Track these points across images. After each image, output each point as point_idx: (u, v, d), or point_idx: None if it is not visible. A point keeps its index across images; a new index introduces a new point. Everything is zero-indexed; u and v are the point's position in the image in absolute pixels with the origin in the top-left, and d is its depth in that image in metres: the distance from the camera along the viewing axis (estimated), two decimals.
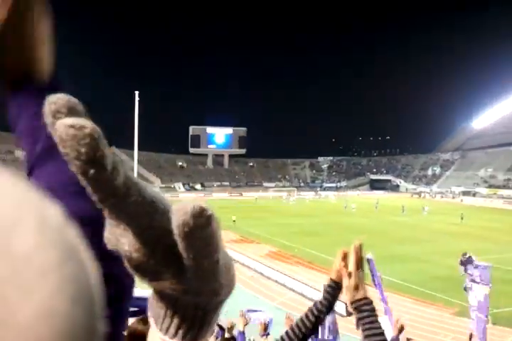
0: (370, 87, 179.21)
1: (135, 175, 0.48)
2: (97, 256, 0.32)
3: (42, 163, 0.68)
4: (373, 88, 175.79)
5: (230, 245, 31.86)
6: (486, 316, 10.95)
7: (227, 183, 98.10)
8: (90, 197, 0.39)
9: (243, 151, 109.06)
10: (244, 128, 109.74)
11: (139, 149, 36.11)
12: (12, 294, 0.26)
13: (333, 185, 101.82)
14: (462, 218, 49.76)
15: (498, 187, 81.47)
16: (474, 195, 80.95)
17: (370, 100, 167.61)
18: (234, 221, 43.57)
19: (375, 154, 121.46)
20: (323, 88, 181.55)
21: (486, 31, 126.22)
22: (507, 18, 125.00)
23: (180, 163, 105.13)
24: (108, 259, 0.44)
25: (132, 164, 36.77)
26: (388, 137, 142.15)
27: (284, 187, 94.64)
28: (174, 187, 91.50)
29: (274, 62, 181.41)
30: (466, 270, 11.19)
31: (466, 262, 11.14)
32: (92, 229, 0.45)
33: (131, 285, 0.64)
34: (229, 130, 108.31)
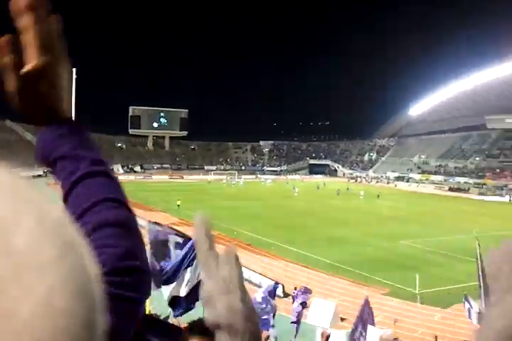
0: (311, 74, 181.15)
1: None
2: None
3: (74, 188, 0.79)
4: (314, 74, 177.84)
5: None
6: None
7: (167, 166, 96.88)
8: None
9: (184, 133, 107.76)
10: (185, 110, 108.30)
11: None
12: (12, 290, 0.26)
13: (274, 168, 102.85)
14: (378, 196, 56.99)
15: (430, 173, 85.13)
16: (408, 180, 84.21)
17: (311, 86, 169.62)
18: (178, 205, 43.12)
19: (315, 139, 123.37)
20: (266, 73, 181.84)
21: (424, 19, 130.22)
22: (444, 7, 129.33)
23: (119, 144, 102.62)
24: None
25: None
26: (328, 123, 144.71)
27: (225, 170, 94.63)
28: (112, 169, 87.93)
29: (217, 42, 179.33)
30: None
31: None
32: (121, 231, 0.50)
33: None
34: (170, 111, 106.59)
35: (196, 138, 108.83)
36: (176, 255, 9.39)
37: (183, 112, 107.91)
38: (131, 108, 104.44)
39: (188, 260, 9.74)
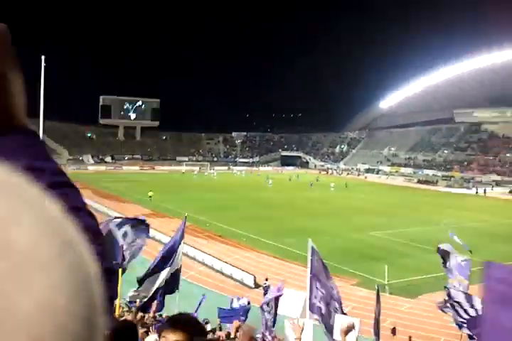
0: (283, 66, 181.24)
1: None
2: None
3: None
4: (286, 66, 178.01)
5: None
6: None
7: (138, 156, 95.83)
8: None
9: (156, 124, 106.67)
10: (157, 100, 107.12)
11: (45, 118, 34.15)
12: (12, 288, 0.26)
13: (246, 160, 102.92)
14: (346, 185, 60.00)
15: (400, 165, 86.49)
16: (378, 172, 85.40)
17: (283, 78, 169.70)
18: (150, 196, 42.74)
19: (287, 131, 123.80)
20: (238, 64, 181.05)
21: (395, 13, 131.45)
22: (413, 1, 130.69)
23: (89, 135, 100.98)
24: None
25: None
26: (300, 115, 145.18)
27: (197, 161, 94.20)
28: (82, 159, 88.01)
29: (190, 32, 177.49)
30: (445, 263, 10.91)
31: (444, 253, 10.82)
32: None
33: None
34: (142, 101, 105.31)
35: (168, 128, 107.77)
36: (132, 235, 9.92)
37: (155, 102, 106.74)
38: (101, 97, 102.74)
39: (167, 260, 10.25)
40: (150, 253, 17.24)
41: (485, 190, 61.44)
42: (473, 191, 62.25)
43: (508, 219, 39.51)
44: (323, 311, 8.76)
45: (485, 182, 69.42)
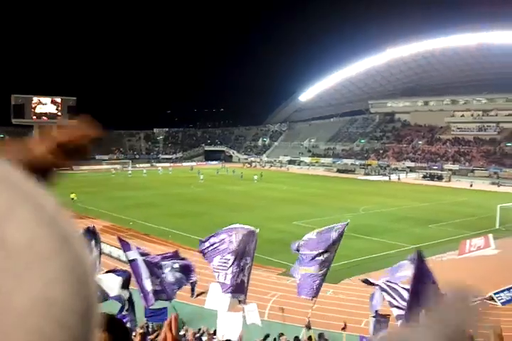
0: (204, 61, 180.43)
1: None
2: None
3: None
4: (208, 62, 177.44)
5: None
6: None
7: None
8: None
9: (73, 122, 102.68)
10: (73, 98, 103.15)
11: None
12: (8, 284, 0.26)
13: (169, 156, 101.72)
14: (261, 175, 61.91)
15: (320, 156, 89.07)
16: (299, 163, 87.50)
17: (204, 72, 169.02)
18: (73, 199, 41.08)
19: (210, 126, 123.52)
20: (159, 58, 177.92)
21: (312, 9, 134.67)
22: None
23: (1, 135, 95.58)
24: None
25: None
26: (222, 109, 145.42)
27: (118, 159, 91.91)
28: None
29: (108, 26, 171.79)
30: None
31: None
32: None
33: None
34: (57, 99, 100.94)
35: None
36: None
37: (71, 100, 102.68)
38: (13, 96, 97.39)
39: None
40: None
41: (399, 177, 64.84)
42: (394, 177, 65.36)
43: (420, 202, 42.02)
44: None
45: (400, 169, 73.24)
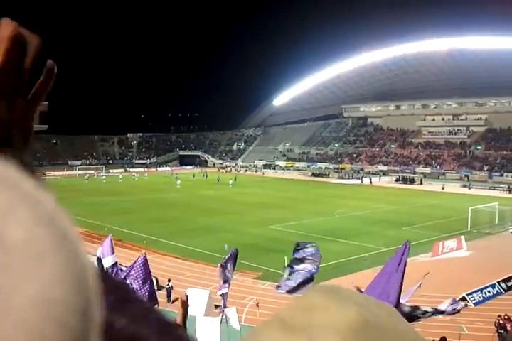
0: (179, 65, 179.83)
1: None
2: None
3: None
4: (182, 67, 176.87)
5: None
6: None
7: None
8: None
9: (45, 127, 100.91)
10: (45, 103, 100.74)
11: None
12: (8, 283, 0.26)
13: (143, 161, 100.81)
14: (235, 179, 61.77)
15: (295, 160, 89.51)
16: (274, 167, 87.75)
17: (179, 77, 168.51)
18: None
19: (184, 130, 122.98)
20: (133, 62, 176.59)
21: (286, 15, 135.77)
22: (305, 3, 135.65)
23: None
24: None
25: None
26: (197, 114, 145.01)
27: (91, 164, 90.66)
28: None
29: (82, 28, 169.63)
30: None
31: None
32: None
33: None
34: None
35: (58, 131, 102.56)
36: None
37: (43, 105, 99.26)
38: None
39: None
40: None
41: (371, 180, 65.59)
42: (366, 181, 65.94)
43: (394, 205, 42.58)
44: None
45: (373, 172, 74.11)
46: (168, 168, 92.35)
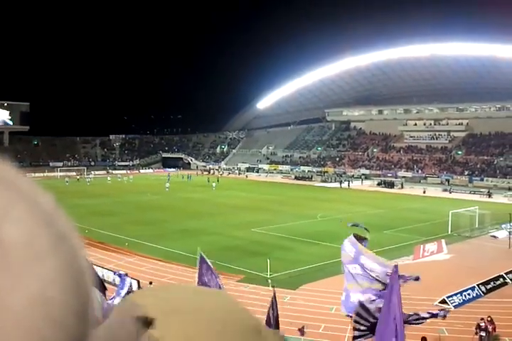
0: (161, 67, 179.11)
1: None
2: None
3: None
4: (165, 68, 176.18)
5: None
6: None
7: None
8: None
9: (26, 128, 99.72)
10: (26, 103, 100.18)
11: None
12: (6, 283, 0.26)
13: (126, 163, 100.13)
14: (218, 181, 62.83)
15: (278, 163, 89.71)
16: (257, 170, 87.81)
17: (162, 79, 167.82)
18: None
19: (167, 133, 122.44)
20: (115, 63, 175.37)
21: (270, 17, 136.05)
22: (290, 4, 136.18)
23: None
24: None
25: None
26: (180, 116, 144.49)
27: (72, 166, 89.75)
28: None
29: (63, 30, 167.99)
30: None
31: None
32: None
33: None
34: (9, 104, 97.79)
35: (39, 132, 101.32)
36: None
37: (24, 105, 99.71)
38: None
39: None
40: None
41: (349, 184, 65.95)
42: (344, 185, 66.20)
43: (375, 209, 42.88)
44: None
45: (356, 176, 74.57)
46: (150, 170, 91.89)
